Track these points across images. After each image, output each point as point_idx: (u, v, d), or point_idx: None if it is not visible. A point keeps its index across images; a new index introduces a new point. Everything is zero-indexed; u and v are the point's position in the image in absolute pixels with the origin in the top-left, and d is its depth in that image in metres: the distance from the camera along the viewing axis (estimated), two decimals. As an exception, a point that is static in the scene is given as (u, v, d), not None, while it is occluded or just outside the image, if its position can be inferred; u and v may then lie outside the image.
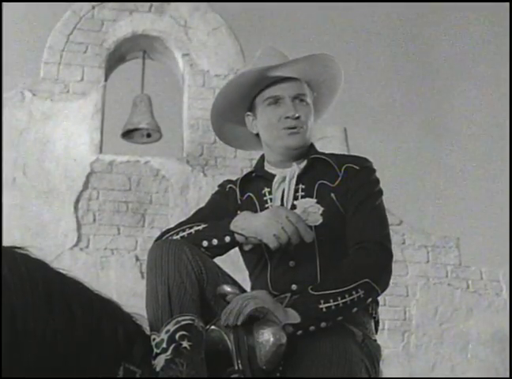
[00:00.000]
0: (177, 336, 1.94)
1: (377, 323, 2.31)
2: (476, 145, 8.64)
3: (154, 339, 1.96)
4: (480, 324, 5.95)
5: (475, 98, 8.73)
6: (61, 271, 1.91)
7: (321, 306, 2.05)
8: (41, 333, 1.76)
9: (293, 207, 2.26)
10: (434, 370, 5.83)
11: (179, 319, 1.97)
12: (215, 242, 2.18)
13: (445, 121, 8.78)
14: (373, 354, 2.20)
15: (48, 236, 5.65)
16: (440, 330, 5.92)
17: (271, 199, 2.33)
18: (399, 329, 5.81)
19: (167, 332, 1.95)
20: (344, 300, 2.07)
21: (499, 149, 8.21)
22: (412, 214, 6.86)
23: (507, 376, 5.64)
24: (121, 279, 5.57)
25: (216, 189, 2.49)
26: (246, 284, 2.37)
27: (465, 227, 7.45)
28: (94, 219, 5.78)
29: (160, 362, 1.91)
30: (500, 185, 7.64)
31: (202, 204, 2.51)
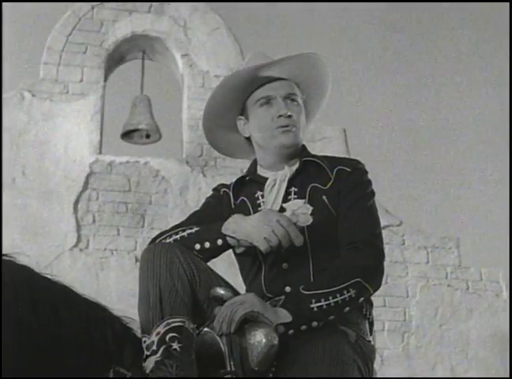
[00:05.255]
0: (167, 338, 1.94)
1: (371, 324, 2.31)
2: (476, 145, 8.65)
3: (145, 342, 1.97)
4: (480, 324, 5.95)
5: (475, 98, 8.74)
6: (47, 275, 1.91)
7: (312, 306, 2.05)
8: (27, 339, 1.76)
9: (282, 209, 2.27)
10: (435, 371, 5.83)
11: (170, 321, 1.98)
12: (207, 244, 2.19)
13: (445, 122, 8.78)
14: (366, 355, 2.20)
15: (48, 237, 5.64)
16: (440, 331, 5.91)
17: (264, 202, 2.34)
18: (399, 330, 5.80)
19: (158, 334, 1.96)
20: (335, 299, 2.07)
21: (499, 149, 8.21)
22: (412, 215, 6.86)
23: (507, 376, 5.64)
24: (120, 280, 5.57)
25: (211, 192, 2.50)
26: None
27: (465, 228, 7.46)
28: (93, 220, 5.78)
29: (149, 364, 1.92)
30: (500, 186, 7.64)
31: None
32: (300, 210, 2.22)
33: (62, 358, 1.81)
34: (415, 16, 8.75)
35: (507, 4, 7.07)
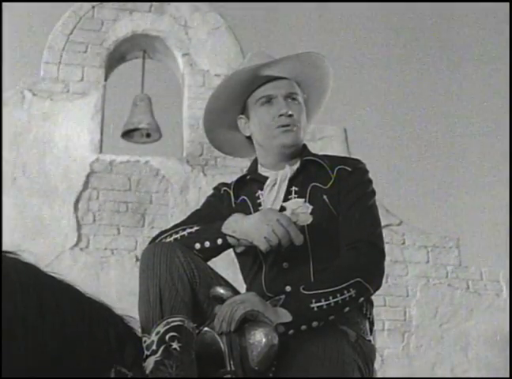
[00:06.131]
0: (167, 337, 1.94)
1: (371, 323, 2.31)
2: (476, 145, 8.65)
3: (145, 342, 1.97)
4: (480, 324, 5.95)
5: (475, 98, 8.73)
6: (52, 274, 1.91)
7: (312, 306, 2.06)
8: (32, 337, 1.76)
9: (282, 209, 2.26)
10: (435, 370, 5.83)
11: (169, 320, 1.98)
12: (207, 244, 2.20)
13: (445, 122, 8.78)
14: (366, 355, 2.20)
15: (48, 236, 5.64)
16: (440, 330, 5.91)
17: (264, 202, 2.33)
18: (399, 329, 5.80)
19: (157, 333, 1.95)
20: (335, 299, 2.07)
21: (499, 149, 8.21)
22: (412, 214, 6.86)
23: (507, 376, 5.64)
24: (121, 279, 5.57)
25: (212, 191, 2.49)
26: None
27: (465, 227, 7.46)
28: (94, 219, 5.78)
29: (149, 364, 1.91)
30: (500, 186, 7.64)
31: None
32: (300, 209, 2.21)
33: (63, 358, 1.81)
34: (416, 17, 8.75)
35: (507, 4, 7.07)
